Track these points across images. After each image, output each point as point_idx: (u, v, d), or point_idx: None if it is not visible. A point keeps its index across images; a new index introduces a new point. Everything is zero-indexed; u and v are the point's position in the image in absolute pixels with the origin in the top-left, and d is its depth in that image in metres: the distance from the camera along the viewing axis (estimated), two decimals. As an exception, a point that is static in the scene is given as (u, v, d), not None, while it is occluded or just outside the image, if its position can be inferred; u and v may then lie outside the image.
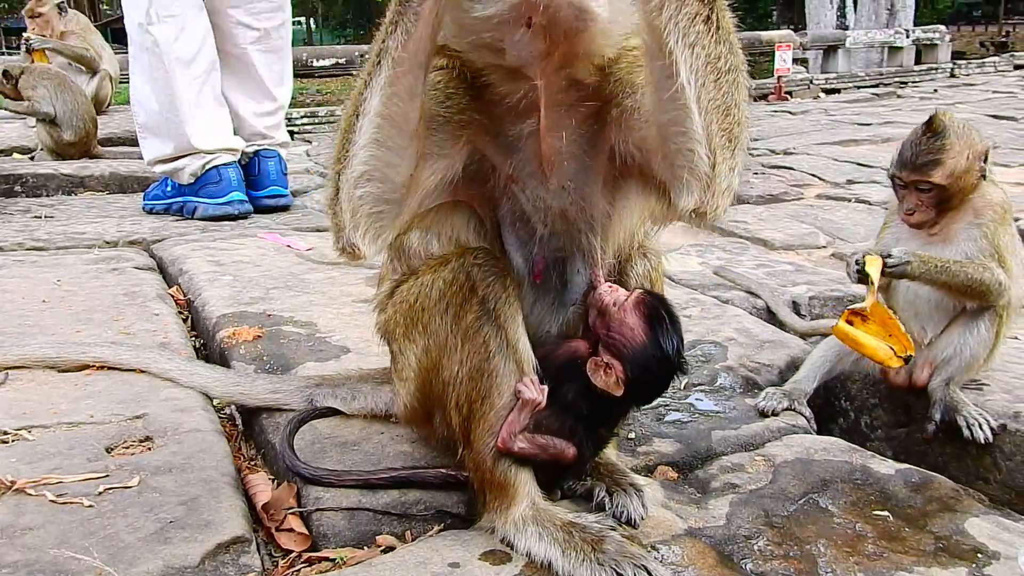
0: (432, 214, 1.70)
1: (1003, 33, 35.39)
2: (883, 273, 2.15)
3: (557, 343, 1.77)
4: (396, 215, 1.54)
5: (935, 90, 13.83)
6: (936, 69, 17.58)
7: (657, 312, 1.68)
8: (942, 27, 20.27)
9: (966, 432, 2.18)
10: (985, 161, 2.24)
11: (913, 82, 16.67)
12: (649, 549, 1.61)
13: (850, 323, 2.14)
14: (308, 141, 9.96)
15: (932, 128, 2.20)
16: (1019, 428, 2.16)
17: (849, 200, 5.22)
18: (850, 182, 5.75)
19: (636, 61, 1.57)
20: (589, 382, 1.67)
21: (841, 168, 6.22)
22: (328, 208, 1.55)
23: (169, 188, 4.72)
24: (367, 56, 1.48)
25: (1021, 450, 2.14)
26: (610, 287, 1.72)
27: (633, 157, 1.60)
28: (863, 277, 2.17)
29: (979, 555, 1.64)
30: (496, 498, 1.66)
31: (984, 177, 2.25)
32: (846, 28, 20.30)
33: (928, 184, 2.19)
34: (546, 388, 1.64)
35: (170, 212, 4.71)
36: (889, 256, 2.17)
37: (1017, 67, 18.12)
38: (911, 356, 2.12)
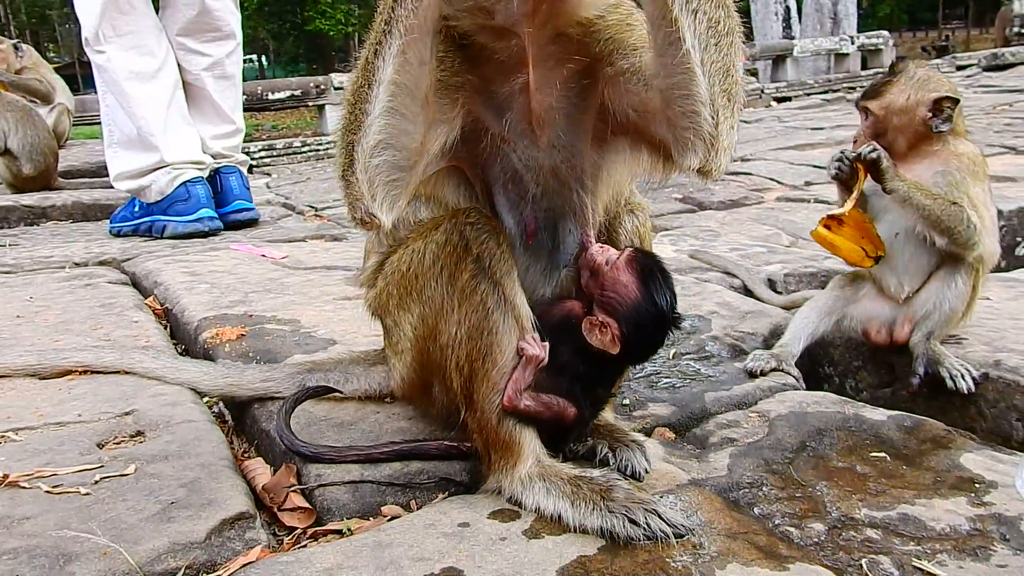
0: (421, 181, 1.71)
1: (943, 37, 36.43)
2: (860, 160, 2.25)
3: (551, 304, 1.77)
4: (408, 182, 1.55)
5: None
6: (882, 74, 17.99)
7: (649, 268, 1.70)
8: (886, 33, 20.79)
9: (949, 383, 2.22)
10: (940, 113, 2.29)
11: (861, 87, 17.01)
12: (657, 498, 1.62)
13: (827, 228, 2.25)
14: (268, 174, 9.94)
15: (892, 68, 2.33)
16: (1001, 376, 2.20)
17: (808, 201, 5.30)
18: (808, 184, 5.84)
19: (625, 20, 1.61)
20: (585, 342, 1.68)
21: (798, 171, 6.33)
22: (341, 179, 1.54)
23: (136, 208, 4.68)
24: (373, 26, 1.48)
25: (1004, 396, 2.19)
26: (601, 247, 1.74)
27: (627, 117, 1.64)
28: (845, 176, 2.28)
29: (977, 485, 1.67)
30: (502, 457, 1.66)
31: (933, 129, 2.30)
32: (792, 38, 20.74)
33: (867, 112, 2.36)
34: (547, 344, 1.65)
35: (138, 233, 4.67)
36: (873, 151, 2.23)
37: (960, 68, 18.61)
38: (881, 256, 2.27)
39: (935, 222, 2.25)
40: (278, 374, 2.18)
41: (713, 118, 1.48)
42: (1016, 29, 24.64)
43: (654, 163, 1.66)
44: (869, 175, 2.26)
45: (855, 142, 2.38)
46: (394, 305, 1.80)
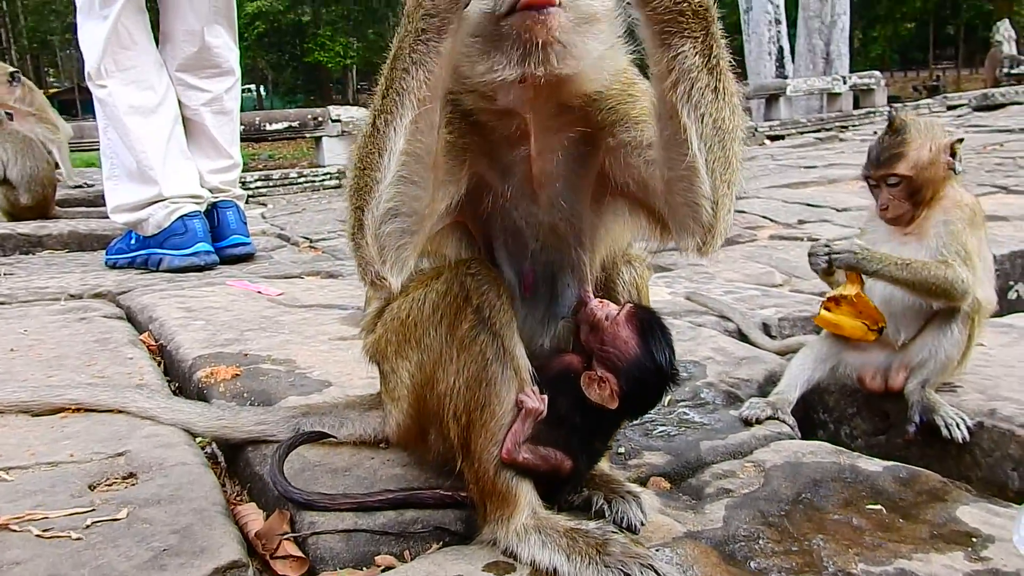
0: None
1: (934, 77, 36.89)
2: (832, 264, 2.32)
3: (550, 357, 1.78)
4: (416, 244, 1.56)
5: (875, 132, 14.24)
6: (874, 112, 18.19)
7: (649, 325, 1.71)
8: (877, 73, 21.06)
9: (944, 432, 2.22)
10: (953, 155, 2.33)
11: (853, 126, 17.21)
12: (653, 552, 1.61)
13: (828, 310, 2.32)
14: (263, 204, 9.96)
15: (893, 127, 2.32)
16: (996, 424, 2.21)
17: (802, 239, 5.33)
18: (801, 222, 5.88)
19: (627, 91, 1.64)
20: (583, 395, 1.68)
21: (791, 209, 6.37)
22: (351, 240, 1.55)
23: (133, 241, 4.68)
24: (378, 88, 1.50)
25: (1000, 446, 2.19)
26: (600, 302, 1.74)
27: (628, 186, 1.66)
28: (830, 270, 2.33)
29: (974, 539, 1.67)
30: (497, 508, 1.65)
31: (954, 171, 2.34)
32: (785, 77, 20.97)
33: (895, 177, 2.31)
34: (546, 397, 1.65)
35: (134, 265, 4.66)
36: (848, 255, 2.28)
37: (950, 107, 18.84)
38: (883, 327, 2.31)
39: (925, 291, 2.30)
40: (272, 417, 2.17)
41: (713, 210, 1.50)
42: (1006, 70, 25.00)
43: (652, 230, 1.71)
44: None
45: (884, 210, 2.36)
46: (392, 352, 1.80)
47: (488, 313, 1.61)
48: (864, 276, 2.31)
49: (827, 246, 2.34)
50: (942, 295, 2.29)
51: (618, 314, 1.71)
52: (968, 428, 2.22)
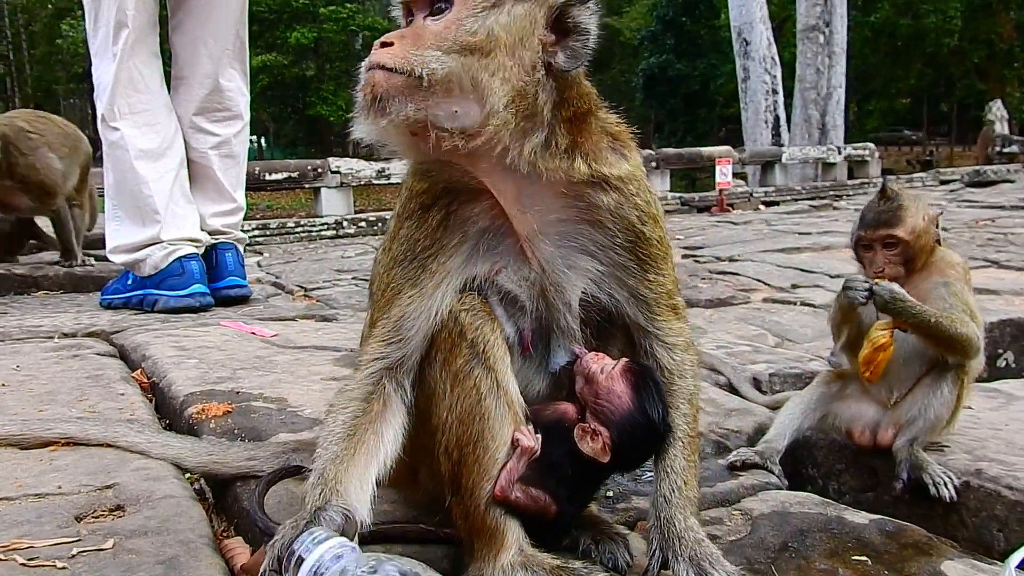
0: None
1: (928, 152, 37.53)
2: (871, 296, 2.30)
3: (544, 404, 1.79)
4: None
5: (871, 204, 14.46)
6: (868, 184, 18.47)
7: (643, 380, 1.73)
8: (872, 145, 21.42)
9: (932, 490, 2.23)
10: (937, 227, 2.39)
11: (847, 195, 17.47)
12: (638, 593, 1.62)
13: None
14: (260, 252, 10.03)
15: (886, 194, 2.36)
16: (982, 484, 2.22)
17: (795, 303, 5.36)
18: (794, 286, 5.92)
19: (628, 201, 1.69)
20: (575, 445, 1.70)
21: (785, 274, 6.42)
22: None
23: (129, 281, 4.71)
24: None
25: (986, 506, 2.20)
26: (595, 355, 1.76)
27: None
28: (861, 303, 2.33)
29: (958, 593, 1.67)
30: (485, 545, 1.65)
31: (939, 242, 2.39)
32: (781, 145, 21.33)
33: (894, 239, 2.32)
34: (540, 437, 1.66)
35: (129, 306, 4.68)
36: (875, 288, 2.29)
37: (943, 182, 19.15)
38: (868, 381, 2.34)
39: (946, 345, 2.31)
40: (263, 452, 2.18)
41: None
42: (998, 148, 25.47)
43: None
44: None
45: (880, 272, 2.38)
46: None
47: (482, 348, 1.63)
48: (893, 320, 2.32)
49: (867, 280, 2.34)
50: (960, 351, 2.32)
51: (613, 368, 1.72)
52: (955, 487, 2.23)
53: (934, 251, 2.41)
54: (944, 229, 2.43)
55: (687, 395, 1.77)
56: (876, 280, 2.30)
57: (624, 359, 1.76)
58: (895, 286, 2.28)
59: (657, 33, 42.19)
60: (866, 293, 2.30)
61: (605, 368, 1.72)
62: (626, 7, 48.20)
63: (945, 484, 2.23)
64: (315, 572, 1.34)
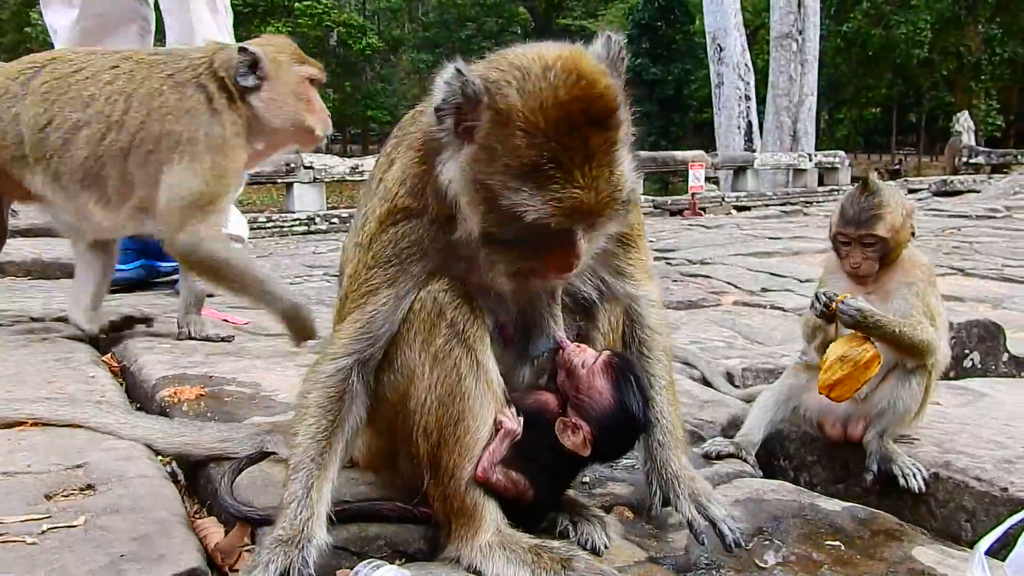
0: None
1: (896, 161, 38.07)
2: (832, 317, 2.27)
3: (526, 392, 1.80)
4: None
5: (839, 207, 14.64)
6: (838, 190, 18.68)
7: (624, 374, 1.74)
8: (842, 152, 21.68)
9: (902, 481, 2.26)
10: (911, 219, 2.41)
11: (817, 202, 17.67)
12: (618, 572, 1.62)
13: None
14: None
15: (868, 189, 2.37)
16: (951, 476, 2.25)
17: (764, 307, 5.40)
18: (764, 290, 5.97)
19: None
20: (555, 436, 1.70)
21: (756, 277, 6.47)
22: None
23: None
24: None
25: (954, 497, 2.23)
26: (577, 347, 1.77)
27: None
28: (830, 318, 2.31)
29: (928, 577, 1.70)
30: (462, 526, 1.65)
31: (913, 235, 2.41)
32: (753, 151, 21.53)
33: (873, 237, 2.33)
34: (522, 419, 1.67)
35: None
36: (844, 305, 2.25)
37: (911, 191, 19.42)
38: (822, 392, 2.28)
39: (905, 350, 2.32)
40: (236, 434, 2.16)
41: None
42: (964, 159, 25.90)
43: None
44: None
45: (857, 268, 2.39)
46: None
47: (462, 327, 1.63)
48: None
49: (830, 298, 2.34)
50: (918, 355, 2.33)
51: (594, 363, 1.73)
52: (924, 479, 2.26)
53: (906, 247, 2.42)
54: (912, 234, 2.44)
55: (665, 348, 1.91)
56: (841, 298, 2.28)
57: (606, 352, 1.76)
58: (862, 303, 2.26)
59: (632, 37, 42.30)
60: (823, 309, 2.31)
61: (586, 362, 1.73)
62: (602, 10, 48.39)
63: (914, 475, 2.26)
64: None
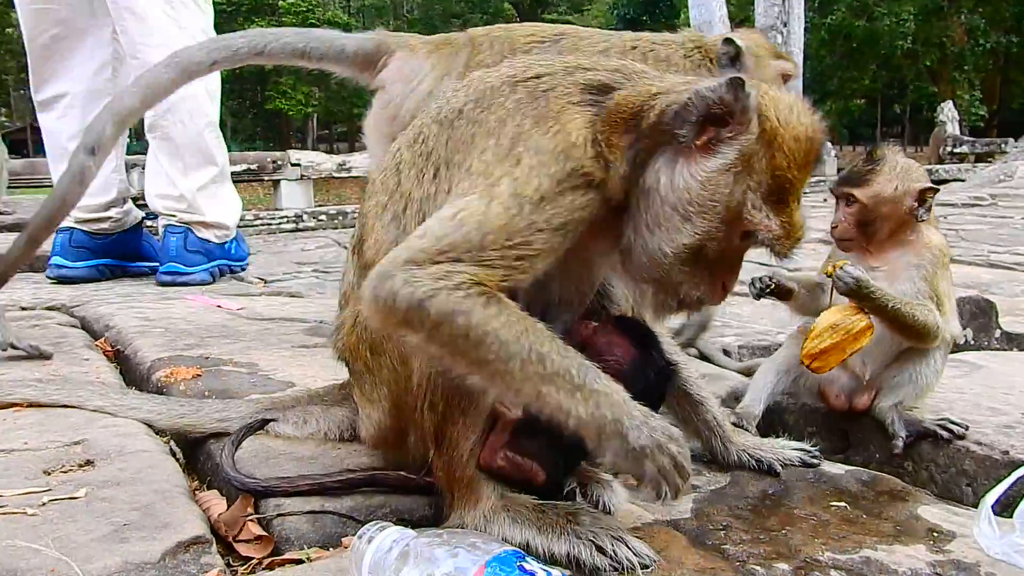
0: None
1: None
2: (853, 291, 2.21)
3: None
4: None
5: (825, 199, 14.67)
6: (824, 181, 18.68)
7: (641, 337, 1.73)
8: (828, 144, 21.68)
9: (943, 433, 2.22)
10: (922, 203, 2.32)
11: (804, 193, 17.67)
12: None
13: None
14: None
15: (871, 155, 2.36)
16: (952, 440, 2.25)
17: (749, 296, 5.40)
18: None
19: None
20: None
21: (744, 268, 6.40)
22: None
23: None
24: None
25: (955, 462, 2.23)
26: (584, 324, 1.76)
27: None
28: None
29: (936, 534, 1.70)
30: (465, 495, 1.63)
31: (917, 219, 2.34)
32: (740, 144, 21.56)
33: (852, 198, 2.32)
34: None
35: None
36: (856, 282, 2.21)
37: (897, 181, 19.46)
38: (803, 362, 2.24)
39: (903, 330, 2.28)
40: (235, 412, 2.12)
41: None
42: (949, 149, 26.02)
43: None
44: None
45: (834, 228, 2.37)
46: (367, 349, 1.74)
47: None
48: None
49: (769, 278, 2.34)
50: (917, 337, 2.30)
51: (607, 324, 1.74)
52: (958, 423, 2.25)
53: (912, 227, 2.35)
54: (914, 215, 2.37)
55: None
56: (840, 265, 2.25)
57: (616, 317, 1.78)
58: (859, 272, 2.22)
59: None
60: (759, 292, 2.36)
61: (599, 328, 1.72)
62: (587, 5, 48.42)
63: (946, 427, 2.24)
64: None
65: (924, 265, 2.33)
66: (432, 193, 1.64)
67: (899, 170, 2.33)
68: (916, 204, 2.32)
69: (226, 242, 4.95)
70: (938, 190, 2.37)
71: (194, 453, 2.16)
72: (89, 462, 1.94)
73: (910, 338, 2.32)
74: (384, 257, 1.51)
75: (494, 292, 1.44)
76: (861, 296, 2.21)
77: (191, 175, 4.66)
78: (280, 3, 41.60)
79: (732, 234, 1.55)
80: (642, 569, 1.47)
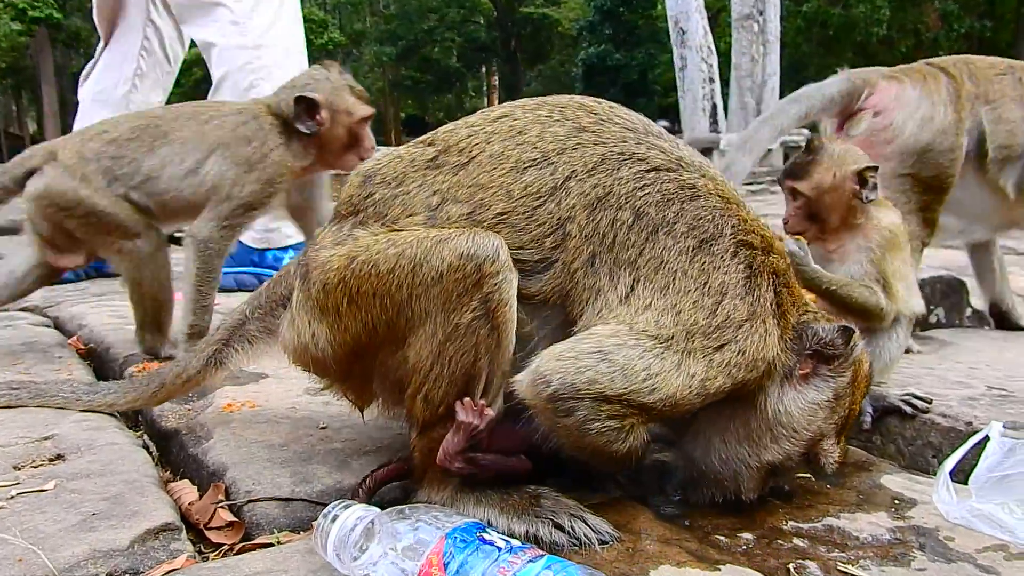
0: None
1: (859, 139, 38.40)
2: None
3: None
4: None
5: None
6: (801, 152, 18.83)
7: None
8: (807, 131, 21.78)
9: (908, 409, 2.25)
10: (864, 183, 2.32)
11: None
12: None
13: None
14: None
15: (808, 146, 2.39)
16: (916, 414, 2.29)
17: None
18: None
19: None
20: None
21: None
22: None
23: None
24: None
25: (921, 434, 2.26)
26: None
27: None
28: None
29: (897, 502, 1.73)
30: (436, 476, 1.65)
31: (864, 200, 2.34)
32: (719, 132, 21.65)
33: (797, 192, 2.34)
34: (491, 413, 1.58)
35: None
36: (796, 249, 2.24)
37: (874, 166, 19.64)
38: None
39: (845, 309, 2.29)
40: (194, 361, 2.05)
41: None
42: (925, 134, 26.20)
43: None
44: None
45: (786, 222, 2.40)
46: (344, 294, 1.62)
47: (495, 306, 1.53)
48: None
49: None
50: (859, 316, 2.32)
51: None
52: (921, 398, 2.29)
53: (862, 210, 2.36)
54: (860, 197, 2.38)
55: None
56: (780, 238, 2.27)
57: None
58: (793, 247, 2.23)
59: (595, 23, 42.38)
60: None
61: None
62: (564, -1, 48.37)
63: (910, 402, 2.28)
64: None
65: (872, 247, 2.35)
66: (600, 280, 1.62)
67: (836, 157, 2.34)
68: (858, 186, 2.33)
69: (268, 249, 4.35)
70: (876, 168, 2.36)
71: (167, 446, 2.17)
72: (59, 456, 1.94)
73: (854, 317, 2.34)
74: (568, 360, 1.52)
75: (644, 425, 1.59)
76: (796, 272, 2.25)
77: None
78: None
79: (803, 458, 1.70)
80: (600, 545, 1.49)
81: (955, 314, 4.25)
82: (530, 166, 1.64)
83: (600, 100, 1.79)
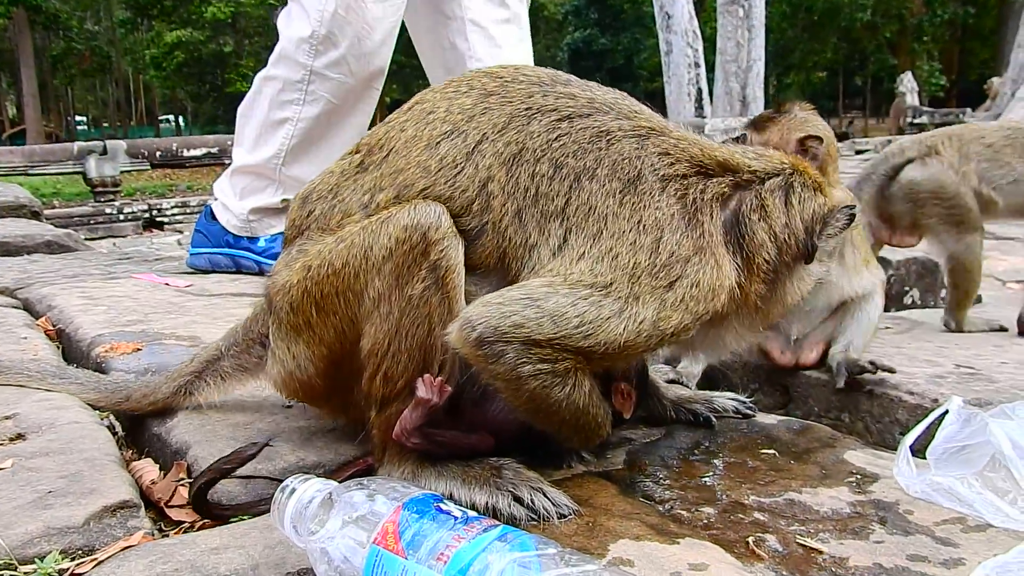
0: None
1: (843, 125, 38.60)
2: None
3: None
4: None
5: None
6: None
7: None
8: (788, 115, 21.84)
9: (879, 374, 2.27)
10: (805, 153, 2.27)
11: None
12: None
13: None
14: (179, 231, 9.78)
15: (780, 108, 2.39)
16: (885, 392, 2.28)
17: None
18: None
19: None
20: None
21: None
22: None
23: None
24: None
25: (888, 411, 2.27)
26: None
27: None
28: None
29: (859, 476, 1.73)
30: (396, 452, 1.64)
31: (820, 167, 2.31)
32: (704, 117, 21.66)
33: (748, 142, 2.34)
34: (449, 389, 1.56)
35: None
36: None
37: (858, 152, 19.68)
38: None
39: None
40: (166, 387, 2.04)
41: None
42: (909, 119, 26.29)
43: None
44: None
45: None
46: (312, 305, 1.63)
47: (443, 273, 1.54)
48: None
49: None
50: None
51: None
52: (887, 366, 2.30)
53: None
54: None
55: None
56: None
57: None
58: None
59: (581, 8, 42.30)
60: None
61: None
62: (549, -15, 48.12)
63: (876, 364, 2.28)
64: None
65: None
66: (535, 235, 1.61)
67: (793, 120, 2.34)
68: (799, 154, 2.27)
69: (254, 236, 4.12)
70: (821, 139, 2.34)
71: (132, 426, 2.15)
72: (20, 435, 1.92)
73: None
74: (493, 305, 1.50)
75: (585, 372, 1.55)
76: None
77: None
78: None
79: None
80: (559, 518, 1.49)
81: (930, 295, 4.28)
82: (442, 139, 1.65)
83: (506, 65, 1.79)
